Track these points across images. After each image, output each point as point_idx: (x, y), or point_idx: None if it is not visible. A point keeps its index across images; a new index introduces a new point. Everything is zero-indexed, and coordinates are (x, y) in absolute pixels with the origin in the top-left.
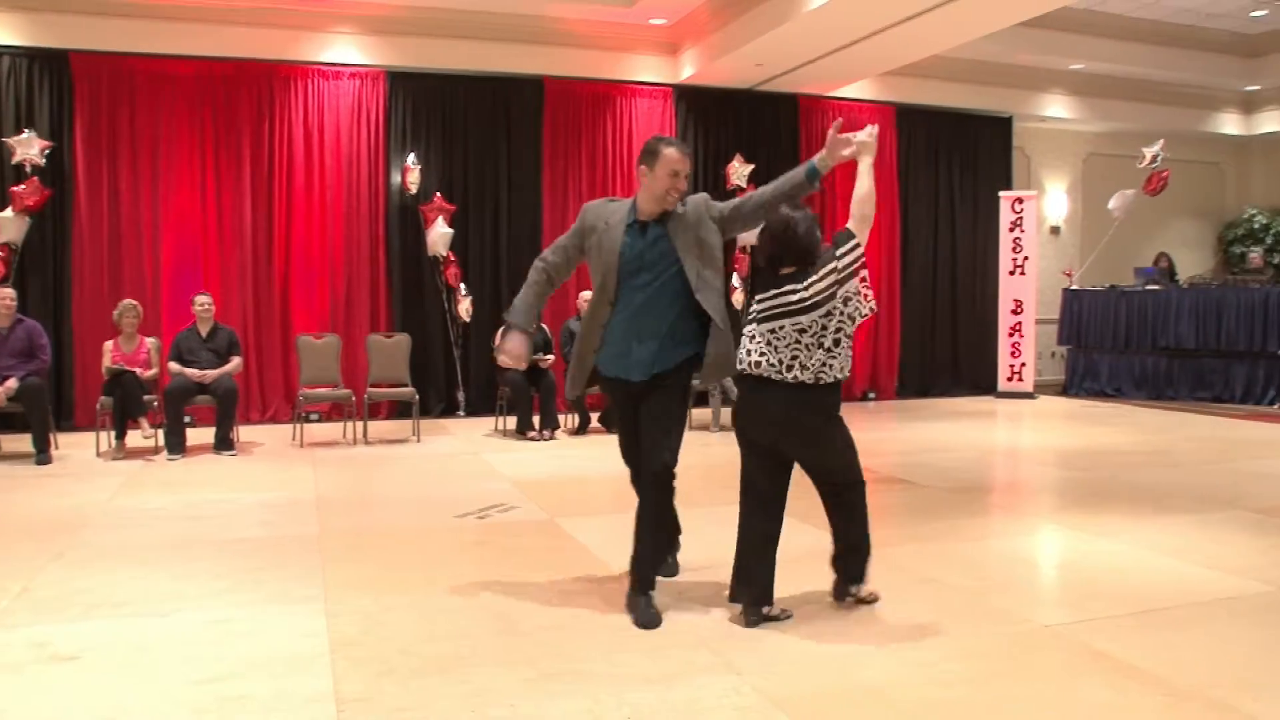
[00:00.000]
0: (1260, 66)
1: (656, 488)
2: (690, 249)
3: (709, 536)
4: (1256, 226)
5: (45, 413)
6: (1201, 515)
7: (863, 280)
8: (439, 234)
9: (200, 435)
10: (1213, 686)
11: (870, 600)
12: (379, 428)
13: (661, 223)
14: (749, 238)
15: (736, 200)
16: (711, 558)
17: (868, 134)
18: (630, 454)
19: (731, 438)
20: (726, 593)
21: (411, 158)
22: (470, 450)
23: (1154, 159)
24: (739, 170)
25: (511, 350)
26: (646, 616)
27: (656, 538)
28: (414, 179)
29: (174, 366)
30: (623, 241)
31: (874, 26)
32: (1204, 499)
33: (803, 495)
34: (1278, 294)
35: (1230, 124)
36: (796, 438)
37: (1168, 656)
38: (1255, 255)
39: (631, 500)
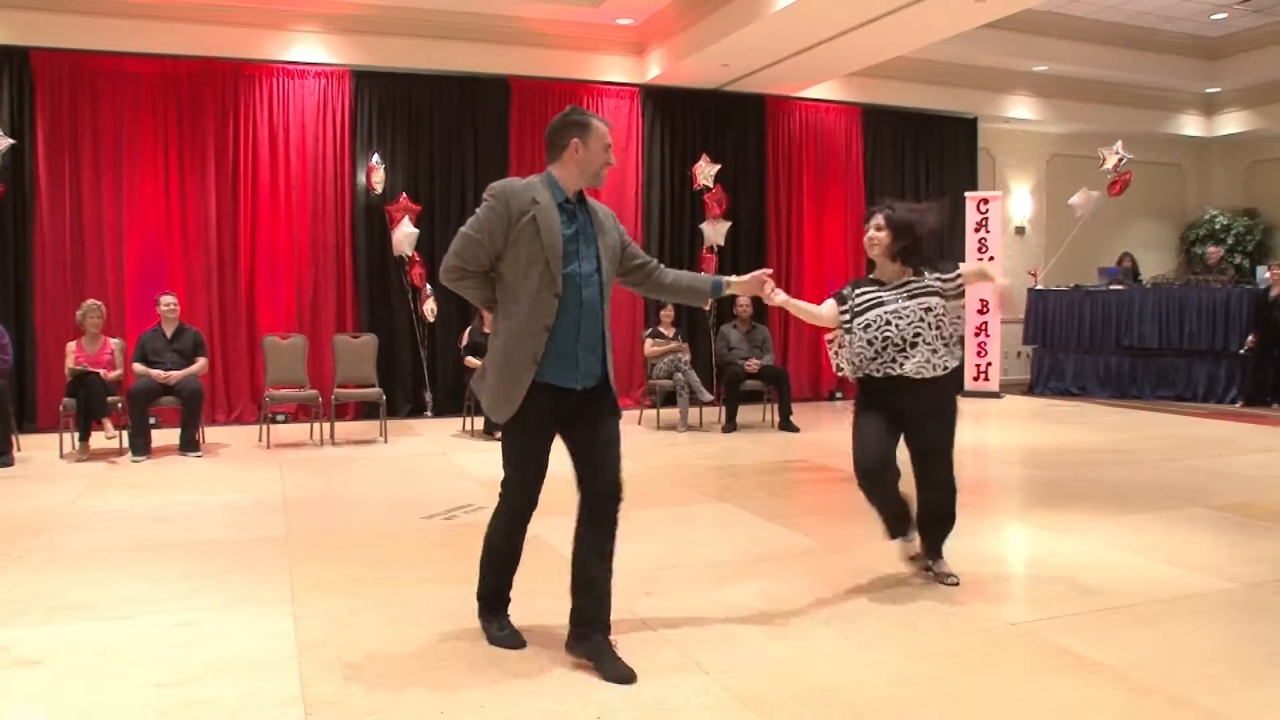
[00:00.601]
0: (1220, 69)
1: (616, 514)
2: (606, 247)
3: (673, 536)
4: (1218, 227)
5: (7, 414)
6: (1164, 513)
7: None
8: (404, 234)
9: (165, 437)
10: (1173, 682)
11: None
12: (346, 428)
13: (582, 205)
14: (715, 237)
15: (643, 256)
16: (676, 558)
17: (781, 298)
18: (536, 481)
19: (698, 437)
20: (695, 593)
21: (376, 158)
22: (437, 451)
23: (1118, 162)
24: (705, 170)
25: None
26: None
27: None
28: (379, 178)
29: (138, 367)
30: (560, 222)
31: (840, 27)
32: (1166, 497)
33: (768, 496)
34: (1239, 294)
35: (1191, 126)
36: None
37: (1130, 653)
38: (1212, 249)
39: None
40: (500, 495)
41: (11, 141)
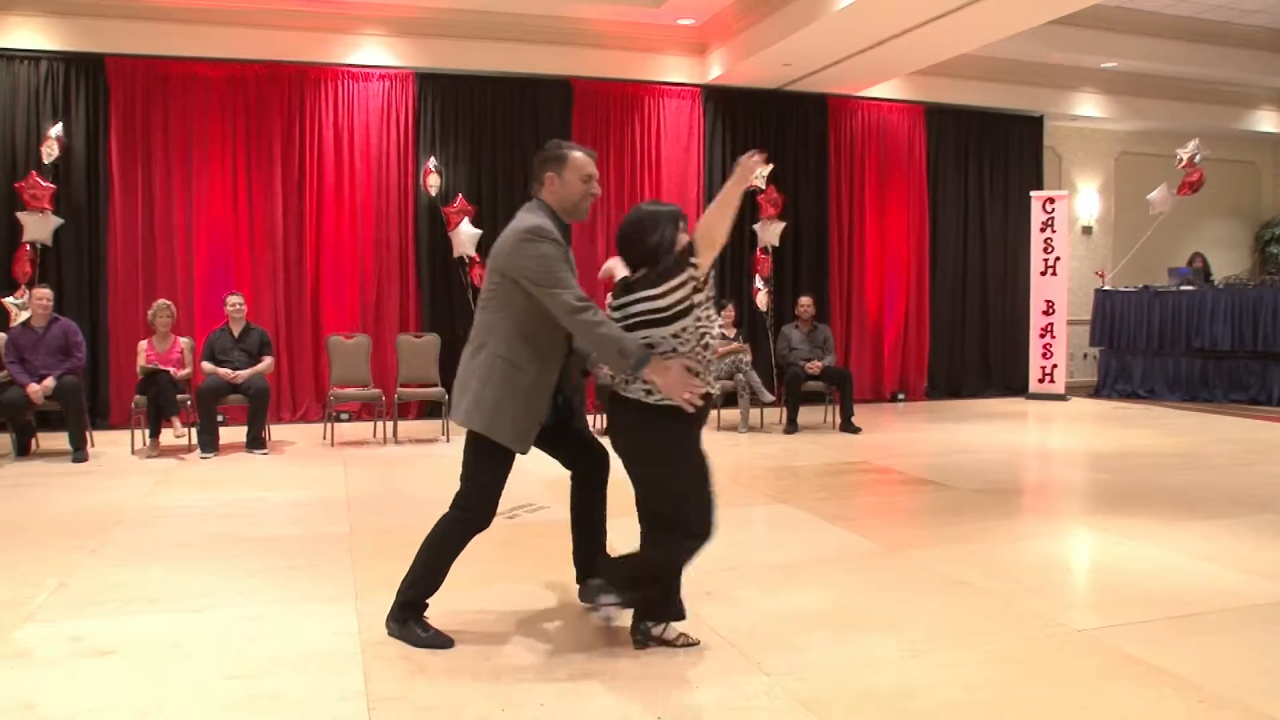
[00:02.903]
0: None
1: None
2: None
3: (734, 538)
4: None
5: (81, 411)
6: (1236, 519)
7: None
8: (466, 234)
9: (232, 434)
10: (1247, 693)
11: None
12: (409, 427)
13: (567, 237)
14: (770, 237)
15: None
16: (736, 559)
17: None
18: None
19: (759, 438)
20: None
21: (432, 160)
22: None
23: (1191, 160)
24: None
25: (681, 380)
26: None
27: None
28: (434, 181)
29: (207, 366)
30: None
31: (902, 25)
32: (1238, 502)
33: (829, 497)
34: None
35: (1267, 122)
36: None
37: (1201, 662)
38: None
39: None
40: (465, 507)
41: (60, 138)
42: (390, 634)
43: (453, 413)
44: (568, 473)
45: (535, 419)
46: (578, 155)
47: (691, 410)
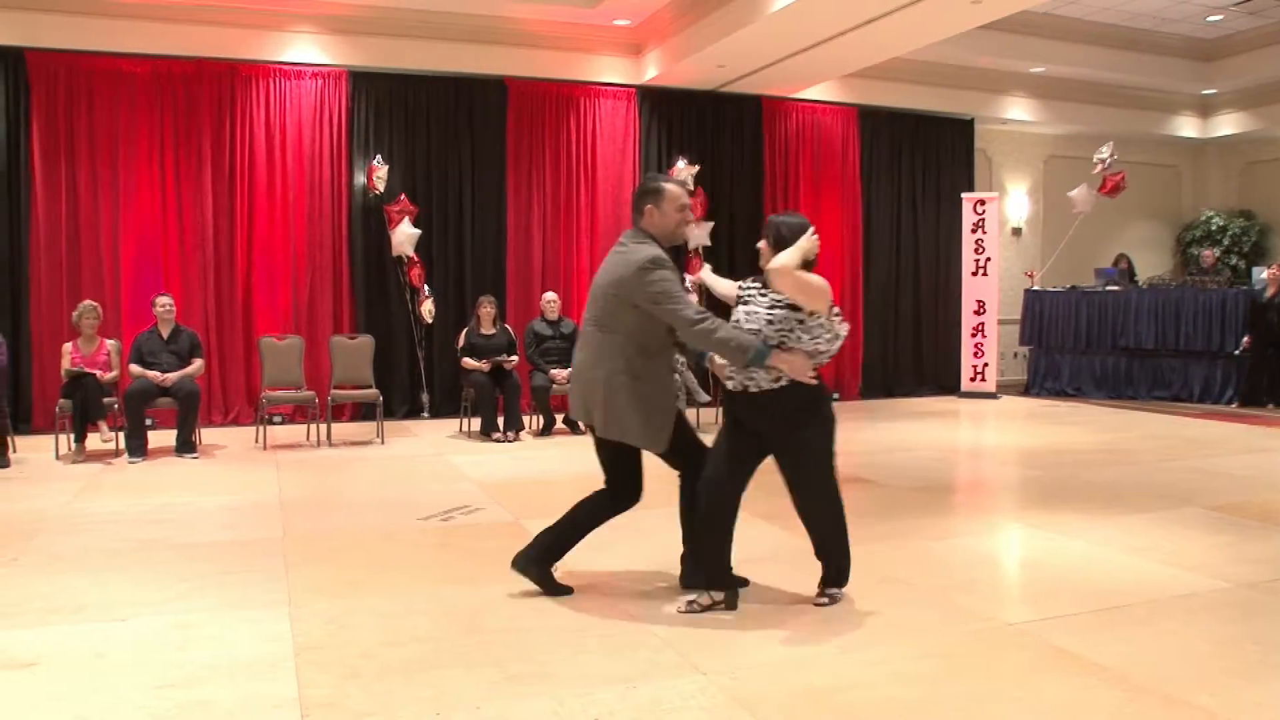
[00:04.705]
0: (1216, 70)
1: None
2: None
3: (669, 537)
4: (1213, 228)
5: (3, 415)
6: (1160, 513)
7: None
8: (405, 234)
9: (161, 438)
10: (1170, 682)
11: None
12: (343, 430)
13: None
14: (702, 237)
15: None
16: (671, 558)
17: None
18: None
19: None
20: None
21: (378, 158)
22: (434, 452)
23: (1106, 163)
24: (681, 174)
25: (801, 364)
26: None
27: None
28: (380, 178)
29: (135, 368)
30: None
31: (836, 29)
32: (1162, 497)
33: (763, 496)
34: (1234, 295)
35: (1187, 127)
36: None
37: (1127, 653)
38: (1207, 253)
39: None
40: (689, 475)
41: None
42: (693, 585)
43: (584, 418)
44: (506, 476)
45: (666, 417)
46: (672, 188)
47: (814, 382)
